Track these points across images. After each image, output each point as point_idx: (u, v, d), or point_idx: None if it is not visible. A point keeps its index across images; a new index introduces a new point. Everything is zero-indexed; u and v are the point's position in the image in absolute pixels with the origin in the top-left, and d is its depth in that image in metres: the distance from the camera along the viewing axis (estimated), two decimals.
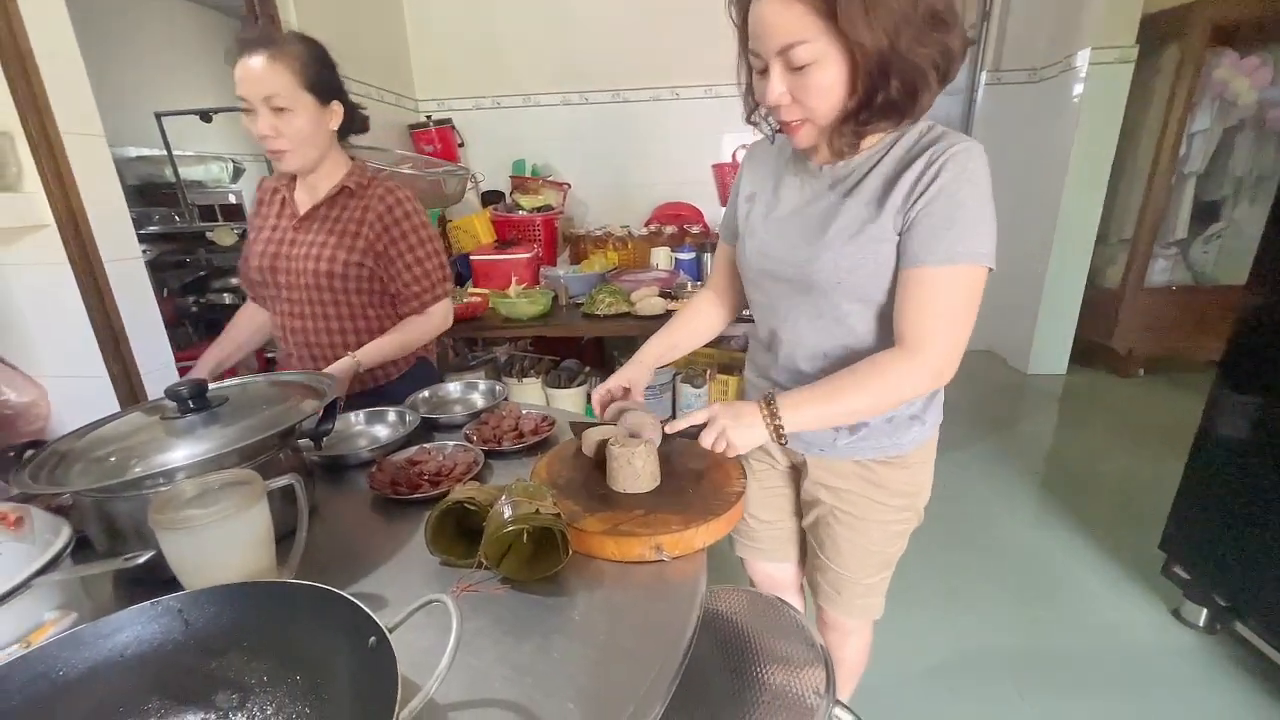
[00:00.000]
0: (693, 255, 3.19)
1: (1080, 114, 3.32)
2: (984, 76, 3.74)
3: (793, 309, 0.93)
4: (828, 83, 0.75)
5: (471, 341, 3.22)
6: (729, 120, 3.38)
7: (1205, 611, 1.71)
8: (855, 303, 0.87)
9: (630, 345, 3.33)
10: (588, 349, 3.37)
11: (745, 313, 1.13)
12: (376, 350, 1.28)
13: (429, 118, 3.39)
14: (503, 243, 3.01)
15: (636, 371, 1.05)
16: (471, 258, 2.88)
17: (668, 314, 2.65)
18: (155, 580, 0.62)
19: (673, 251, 3.22)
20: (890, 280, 0.85)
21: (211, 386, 0.82)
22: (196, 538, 0.56)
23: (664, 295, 2.86)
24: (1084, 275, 3.61)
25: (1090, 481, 2.59)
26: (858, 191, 0.85)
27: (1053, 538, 2.21)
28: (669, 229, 3.36)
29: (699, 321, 1.14)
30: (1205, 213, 3.49)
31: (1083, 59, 3.27)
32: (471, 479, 0.93)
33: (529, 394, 3.02)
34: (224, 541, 0.58)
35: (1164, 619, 1.79)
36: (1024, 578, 2.00)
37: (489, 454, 1.03)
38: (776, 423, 0.83)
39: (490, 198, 3.42)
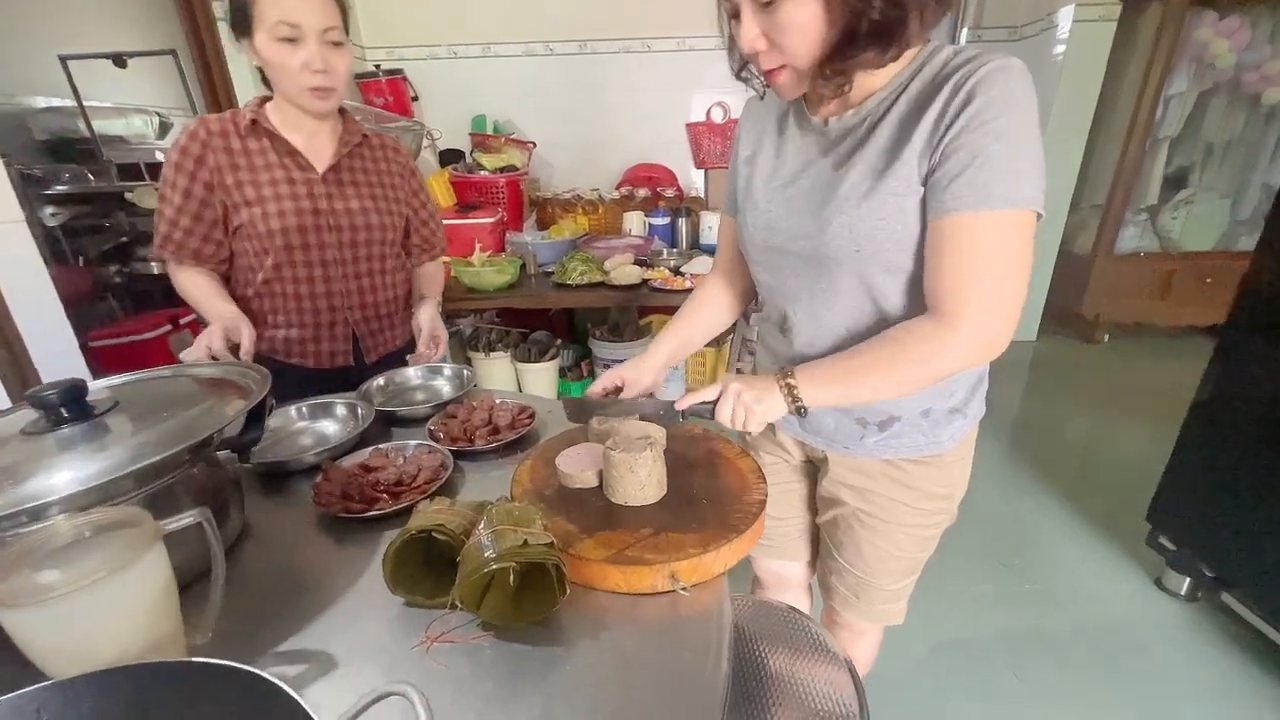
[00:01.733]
0: (667, 221, 3.03)
1: (1061, 74, 3.24)
2: (965, 34, 3.60)
3: (806, 287, 0.80)
4: (802, 18, 0.63)
5: None
6: (704, 76, 3.17)
7: (1188, 581, 1.72)
8: (880, 274, 0.75)
9: (604, 316, 3.18)
10: (557, 320, 3.20)
11: None
12: (435, 289, 1.34)
13: (378, 67, 3.08)
14: (464, 206, 2.78)
15: (636, 373, 0.92)
16: None
17: (644, 284, 2.50)
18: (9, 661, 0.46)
19: (646, 216, 3.05)
20: (918, 242, 0.72)
21: (98, 385, 0.64)
22: (55, 614, 0.40)
23: (639, 263, 2.70)
24: (1057, 242, 3.60)
25: (1063, 450, 2.60)
26: (870, 141, 0.71)
27: (1030, 508, 2.20)
28: (642, 192, 3.18)
29: (709, 313, 1.00)
30: (1175, 179, 3.50)
31: (1065, 17, 3.17)
32: (438, 490, 0.78)
33: (497, 369, 2.85)
34: (100, 612, 0.43)
35: (1147, 589, 1.80)
36: (1003, 547, 1.98)
37: (459, 455, 0.88)
38: (796, 403, 0.73)
39: (449, 157, 3.15)
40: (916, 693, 1.48)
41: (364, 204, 1.14)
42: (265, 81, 1.06)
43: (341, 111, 1.15)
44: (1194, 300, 3.52)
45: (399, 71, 3.09)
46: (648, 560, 0.61)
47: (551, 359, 2.84)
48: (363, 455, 0.86)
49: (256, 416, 0.69)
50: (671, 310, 3.26)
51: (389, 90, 3.00)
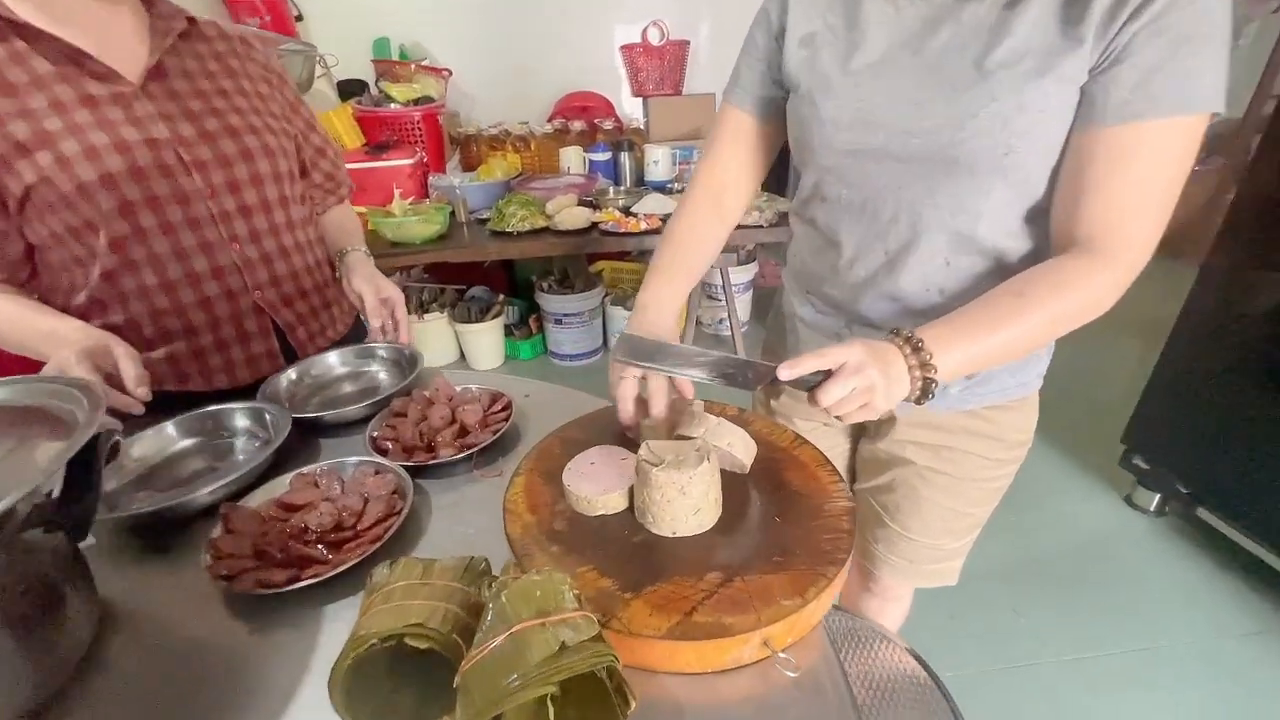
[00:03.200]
0: (608, 155, 2.73)
1: None
2: None
3: (906, 206, 0.61)
4: None
5: None
6: None
7: (1157, 497, 1.76)
8: (1008, 189, 0.57)
9: (549, 266, 2.89)
10: (494, 273, 2.89)
11: None
12: (357, 238, 1.01)
13: None
14: (375, 146, 2.38)
15: (656, 318, 0.69)
16: None
17: (593, 227, 2.24)
18: None
19: (585, 152, 2.74)
20: (1059, 155, 0.55)
21: None
22: None
23: (584, 204, 2.42)
24: None
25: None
26: (1025, 4, 0.52)
27: None
28: (577, 125, 2.85)
29: (705, 244, 0.77)
30: None
31: None
32: (397, 532, 0.56)
33: (434, 333, 2.54)
34: None
35: (1119, 507, 1.83)
36: None
37: (417, 472, 0.65)
38: (926, 373, 0.53)
39: (349, 89, 2.69)
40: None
41: (226, 122, 0.78)
42: None
43: None
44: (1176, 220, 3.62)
45: None
46: (729, 627, 0.42)
47: (495, 317, 2.57)
48: (280, 487, 0.62)
49: (83, 473, 0.43)
50: (624, 256, 3.03)
51: (265, 8, 2.48)
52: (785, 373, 0.52)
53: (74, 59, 0.68)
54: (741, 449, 0.56)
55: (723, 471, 0.54)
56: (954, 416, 0.73)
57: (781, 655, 0.42)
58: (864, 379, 0.51)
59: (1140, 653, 1.39)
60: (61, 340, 0.67)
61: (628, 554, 0.49)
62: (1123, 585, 1.57)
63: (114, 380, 0.66)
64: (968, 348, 0.54)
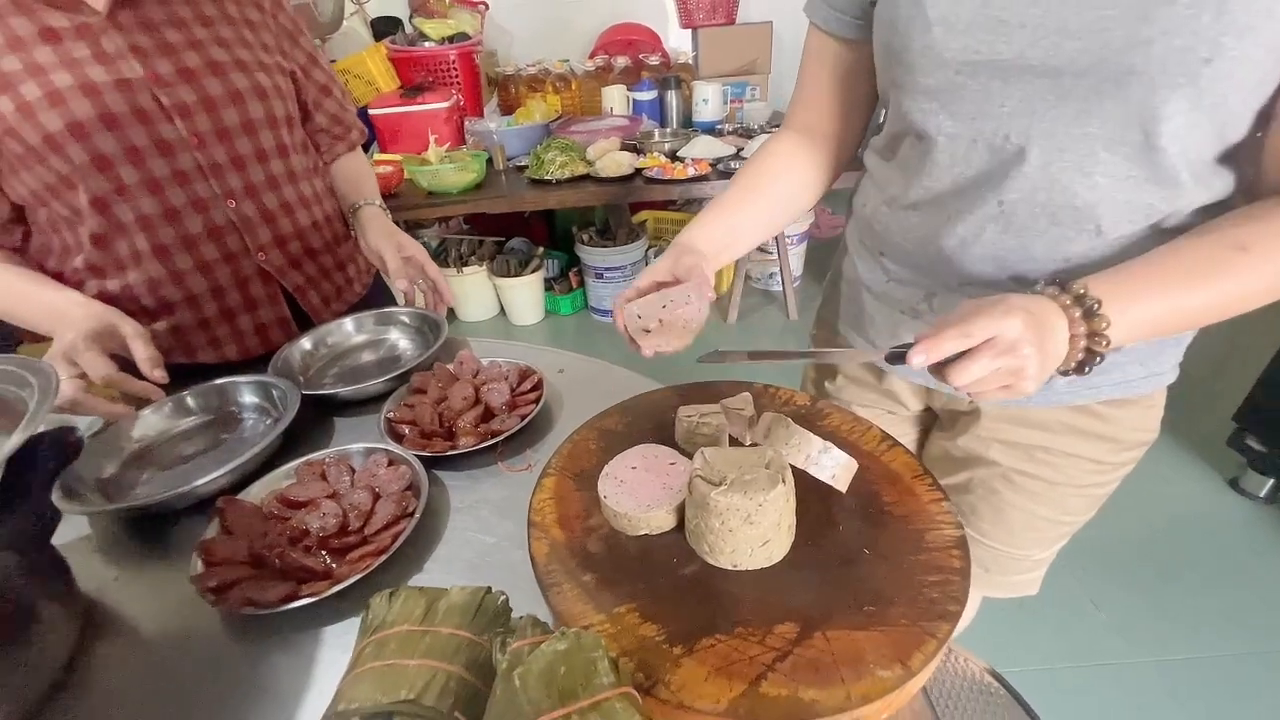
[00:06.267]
0: (654, 95, 2.53)
1: None
2: None
3: (1050, 139, 0.45)
4: None
5: None
6: None
7: (1270, 482, 1.56)
8: (1195, 112, 0.41)
9: (590, 216, 2.75)
10: (535, 224, 2.77)
11: None
12: (371, 189, 0.88)
13: None
14: (409, 89, 2.26)
15: (672, 263, 0.54)
16: (370, 112, 2.13)
17: (637, 174, 2.08)
18: None
19: (629, 91, 2.55)
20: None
21: None
22: None
23: (628, 149, 2.26)
24: None
25: None
26: None
27: None
28: (621, 61, 2.64)
29: (779, 192, 0.63)
30: None
31: None
32: (409, 539, 0.48)
33: (473, 287, 2.47)
34: None
35: (1221, 490, 1.64)
36: None
37: (432, 463, 0.57)
38: (1094, 344, 0.41)
39: (382, 27, 2.55)
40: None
41: (209, 57, 0.67)
42: None
43: None
44: None
45: None
46: (809, 706, 0.32)
47: (535, 271, 2.47)
48: (283, 480, 0.55)
49: (31, 477, 0.36)
50: (669, 205, 2.86)
51: None
52: (920, 359, 0.40)
53: None
54: (842, 473, 0.44)
55: (799, 481, 0.43)
56: (1057, 412, 0.59)
57: None
58: (1015, 359, 0.39)
59: (1241, 657, 1.24)
60: (64, 318, 0.60)
61: (677, 591, 0.40)
62: (1222, 579, 1.41)
63: (125, 362, 0.60)
64: (1152, 300, 0.41)
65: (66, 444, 0.39)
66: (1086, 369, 0.42)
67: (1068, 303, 0.40)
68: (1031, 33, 0.42)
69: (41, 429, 0.37)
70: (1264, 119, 0.41)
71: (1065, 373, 0.42)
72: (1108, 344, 0.40)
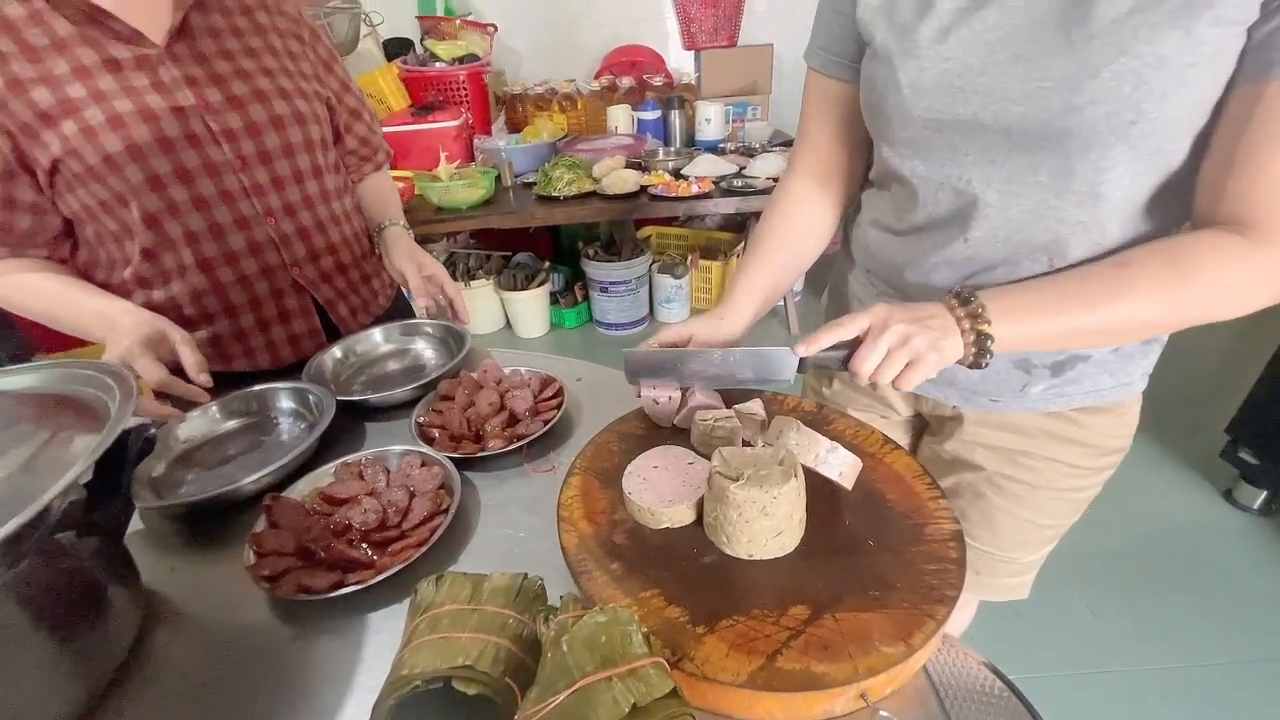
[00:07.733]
0: (658, 114, 2.60)
1: None
2: None
3: (1008, 185, 0.51)
4: None
5: None
6: None
7: (1263, 494, 1.59)
8: (1133, 163, 0.46)
9: (595, 232, 2.81)
10: (540, 239, 2.83)
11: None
12: (395, 209, 0.94)
13: None
14: (420, 108, 2.33)
15: (710, 332, 0.61)
16: (383, 130, 2.19)
17: (642, 191, 2.14)
18: None
19: (634, 111, 2.62)
20: (1206, 120, 0.45)
21: None
22: None
23: (633, 166, 2.32)
24: None
25: None
26: None
27: None
28: (626, 82, 2.71)
29: (803, 233, 0.68)
30: None
31: None
32: (445, 533, 0.52)
33: (481, 300, 2.52)
34: None
35: (1215, 501, 1.67)
36: None
37: (461, 465, 0.61)
38: (979, 324, 0.47)
39: (395, 48, 2.63)
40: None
41: (255, 86, 0.72)
42: None
43: None
44: None
45: None
46: (820, 678, 0.36)
47: (540, 284, 2.52)
48: (324, 477, 0.59)
49: (113, 465, 0.40)
50: (672, 221, 2.92)
51: None
52: (803, 349, 0.49)
53: (95, 18, 0.63)
54: (848, 471, 0.48)
55: (808, 479, 0.47)
56: (1034, 418, 0.64)
57: (883, 714, 0.36)
58: (895, 335, 0.47)
59: (1234, 666, 1.27)
60: (115, 325, 0.64)
61: (698, 577, 0.43)
62: (1217, 589, 1.43)
63: (175, 367, 0.64)
64: (1040, 319, 0.48)
65: (144, 441, 0.43)
66: (987, 355, 0.48)
67: (950, 300, 0.48)
68: (982, 98, 0.48)
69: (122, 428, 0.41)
70: (1200, 157, 0.46)
71: (972, 363, 0.49)
72: (989, 325, 0.47)
